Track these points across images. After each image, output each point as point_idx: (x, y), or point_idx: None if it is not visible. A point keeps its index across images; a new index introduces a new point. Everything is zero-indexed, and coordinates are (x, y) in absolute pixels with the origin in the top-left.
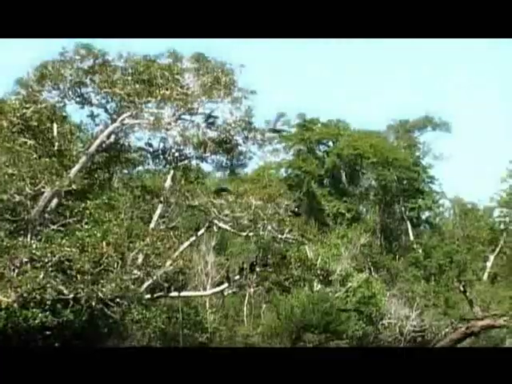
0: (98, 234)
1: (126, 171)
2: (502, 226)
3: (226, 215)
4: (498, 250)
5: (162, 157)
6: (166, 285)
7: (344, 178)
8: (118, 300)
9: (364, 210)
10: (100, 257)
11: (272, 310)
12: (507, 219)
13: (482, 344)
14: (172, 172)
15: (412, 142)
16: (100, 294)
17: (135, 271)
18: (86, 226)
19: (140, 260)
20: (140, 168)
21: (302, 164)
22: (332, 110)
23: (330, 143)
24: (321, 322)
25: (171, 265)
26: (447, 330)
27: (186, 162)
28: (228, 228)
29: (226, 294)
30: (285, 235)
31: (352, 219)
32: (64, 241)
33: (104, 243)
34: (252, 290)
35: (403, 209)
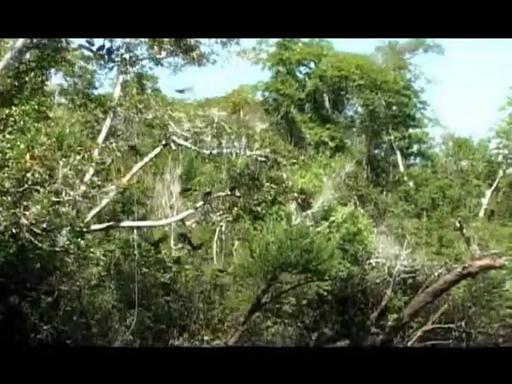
0: (22, 145)
1: (66, 75)
2: (499, 159)
3: (186, 130)
4: (495, 184)
5: (107, 57)
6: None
7: (327, 102)
8: (45, 226)
9: (349, 138)
10: (24, 173)
11: (245, 247)
12: (505, 151)
13: (480, 286)
14: (122, 78)
15: (402, 65)
16: (24, 220)
17: (70, 192)
18: (9, 136)
19: (74, 178)
20: (84, 72)
21: (280, 86)
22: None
23: (312, 65)
24: (300, 261)
25: (118, 187)
26: (441, 270)
27: (137, 67)
28: (188, 145)
29: (188, 223)
30: (254, 152)
31: (336, 148)
32: None
33: (28, 156)
34: (219, 218)
35: (392, 138)
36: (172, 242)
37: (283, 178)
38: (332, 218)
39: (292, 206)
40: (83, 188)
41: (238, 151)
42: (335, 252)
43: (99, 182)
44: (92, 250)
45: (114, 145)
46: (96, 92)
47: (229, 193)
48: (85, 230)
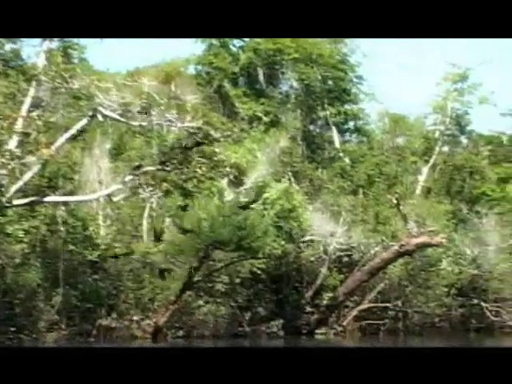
0: None
1: None
2: (436, 135)
3: (114, 101)
4: (432, 161)
5: None
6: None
7: (261, 76)
8: None
9: (284, 114)
10: None
11: (176, 224)
12: (442, 127)
13: (416, 265)
14: (46, 46)
15: (338, 38)
16: None
17: None
18: None
19: None
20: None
21: (213, 60)
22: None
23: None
24: (233, 238)
25: (40, 157)
26: (377, 248)
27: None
28: (116, 116)
29: (116, 199)
30: (186, 124)
31: (270, 123)
32: None
33: None
34: (148, 194)
35: (328, 113)
36: (101, 219)
37: (215, 152)
38: (266, 195)
39: (224, 182)
40: (2, 160)
41: (168, 123)
42: (269, 229)
43: (19, 153)
44: (16, 226)
45: (35, 114)
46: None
47: (159, 167)
48: (6, 204)
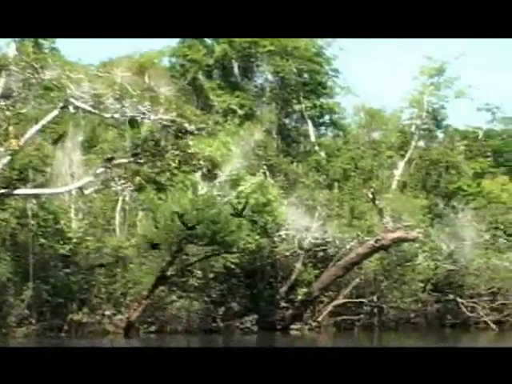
0: None
1: None
2: (412, 129)
3: (86, 92)
4: (408, 155)
5: None
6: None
7: (236, 69)
8: None
9: (259, 107)
10: None
11: (149, 218)
12: (418, 121)
13: (392, 260)
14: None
15: None
16: None
17: None
18: None
19: None
20: None
21: (187, 52)
22: None
23: None
24: (206, 232)
25: (8, 148)
26: (353, 243)
27: None
28: (88, 108)
29: (87, 192)
30: (159, 116)
31: (245, 117)
32: None
33: None
34: (120, 187)
35: (303, 106)
36: (73, 212)
37: (189, 144)
38: (240, 188)
39: (198, 175)
40: None
41: (142, 115)
42: (243, 223)
43: None
44: None
45: (4, 105)
46: None
47: (131, 159)
48: None
